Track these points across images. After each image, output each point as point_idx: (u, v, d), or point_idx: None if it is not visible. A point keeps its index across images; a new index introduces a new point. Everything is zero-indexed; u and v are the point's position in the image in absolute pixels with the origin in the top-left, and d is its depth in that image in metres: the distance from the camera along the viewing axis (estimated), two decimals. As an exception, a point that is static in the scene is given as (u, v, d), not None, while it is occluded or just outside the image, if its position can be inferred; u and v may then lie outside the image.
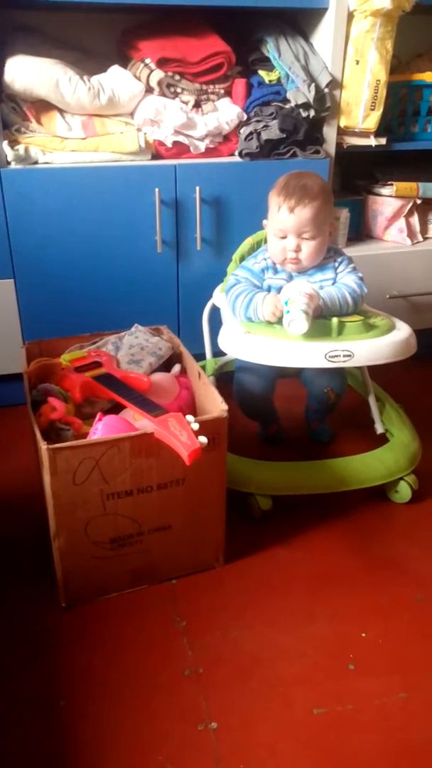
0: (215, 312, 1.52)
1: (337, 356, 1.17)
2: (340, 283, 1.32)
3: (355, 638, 1.09)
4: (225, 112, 1.67)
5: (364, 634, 1.09)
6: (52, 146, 1.57)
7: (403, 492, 1.39)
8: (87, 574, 1.12)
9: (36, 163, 1.57)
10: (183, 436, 0.99)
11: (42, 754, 0.90)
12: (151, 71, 1.60)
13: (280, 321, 1.21)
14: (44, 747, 0.91)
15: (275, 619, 1.13)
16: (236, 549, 1.26)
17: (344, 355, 1.17)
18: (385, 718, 0.95)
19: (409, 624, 1.12)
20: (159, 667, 1.03)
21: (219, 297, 1.47)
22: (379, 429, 1.51)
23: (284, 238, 1.28)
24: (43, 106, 1.58)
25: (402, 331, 1.26)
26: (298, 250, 1.28)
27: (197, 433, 1.00)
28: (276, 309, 1.21)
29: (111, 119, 1.62)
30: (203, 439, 0.99)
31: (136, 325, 1.47)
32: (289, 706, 0.97)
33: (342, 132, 1.75)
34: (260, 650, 1.06)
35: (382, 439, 1.48)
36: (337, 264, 1.34)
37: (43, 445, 0.99)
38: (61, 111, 1.58)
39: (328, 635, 1.09)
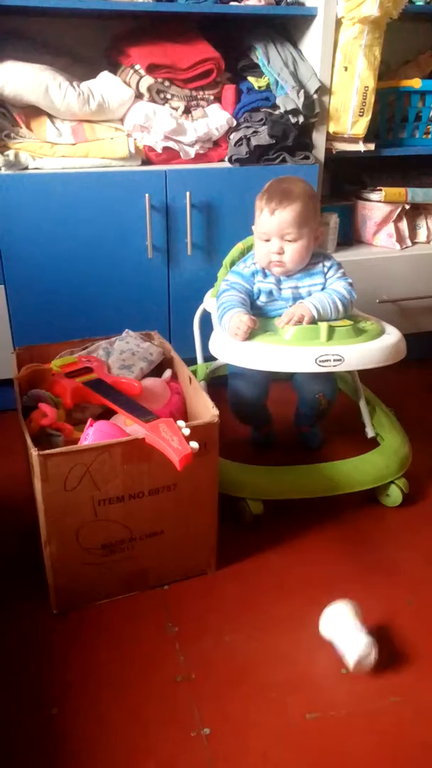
0: (206, 317, 1.52)
1: (327, 361, 1.17)
2: (330, 288, 1.32)
3: (347, 642, 1.09)
4: (215, 118, 1.67)
5: (356, 638, 1.09)
6: (42, 152, 1.57)
7: (394, 495, 1.40)
8: (78, 581, 1.12)
9: (26, 168, 1.57)
10: (174, 442, 0.99)
11: (34, 761, 0.90)
12: (141, 77, 1.60)
13: (257, 333, 1.22)
14: (36, 754, 0.91)
15: (267, 624, 1.12)
16: (228, 554, 1.25)
17: (335, 360, 1.17)
18: (378, 723, 0.96)
19: (401, 627, 1.12)
20: (151, 673, 1.03)
21: (210, 302, 1.47)
22: (370, 433, 1.52)
23: (268, 241, 1.29)
24: (32, 112, 1.58)
25: (392, 335, 1.27)
26: (281, 252, 1.28)
27: (188, 438, 1.00)
28: (237, 329, 1.22)
29: (101, 125, 1.62)
30: (194, 444, 0.99)
31: (126, 330, 1.47)
32: (282, 711, 0.97)
33: (331, 138, 1.76)
34: (253, 655, 1.06)
35: (373, 443, 1.48)
36: (326, 269, 1.34)
37: (34, 451, 0.99)
38: (50, 117, 1.59)
39: (320, 640, 1.09)
